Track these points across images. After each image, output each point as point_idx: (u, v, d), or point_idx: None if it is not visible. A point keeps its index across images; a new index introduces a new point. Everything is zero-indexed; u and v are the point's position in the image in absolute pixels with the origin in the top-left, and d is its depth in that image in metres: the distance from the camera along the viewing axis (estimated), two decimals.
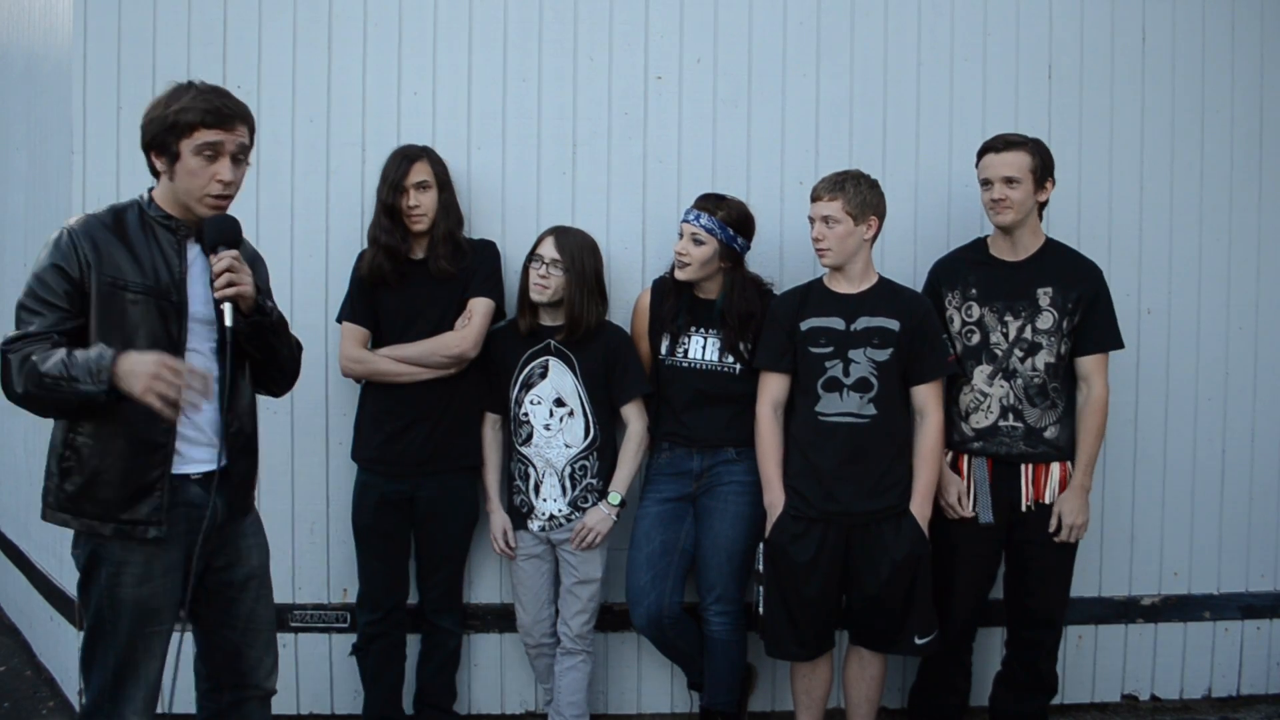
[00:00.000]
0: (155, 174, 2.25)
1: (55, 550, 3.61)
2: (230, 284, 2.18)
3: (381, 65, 3.30)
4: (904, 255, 3.35)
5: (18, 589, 4.13)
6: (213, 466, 2.26)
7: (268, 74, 3.27)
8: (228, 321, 2.19)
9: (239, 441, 2.33)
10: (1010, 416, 2.99)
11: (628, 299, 3.29)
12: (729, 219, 3.04)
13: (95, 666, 2.22)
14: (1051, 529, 2.98)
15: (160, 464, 2.20)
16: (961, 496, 3.00)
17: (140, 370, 2.01)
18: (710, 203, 3.07)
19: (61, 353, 2.05)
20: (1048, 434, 2.99)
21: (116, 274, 2.16)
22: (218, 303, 2.21)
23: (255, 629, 2.40)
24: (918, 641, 2.94)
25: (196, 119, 2.15)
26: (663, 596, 3.05)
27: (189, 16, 3.26)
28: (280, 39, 3.28)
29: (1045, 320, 2.98)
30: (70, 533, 2.24)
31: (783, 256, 3.36)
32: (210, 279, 2.21)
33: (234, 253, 2.20)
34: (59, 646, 3.57)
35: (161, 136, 2.17)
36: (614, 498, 3.09)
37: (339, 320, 3.13)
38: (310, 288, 3.25)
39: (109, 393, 2.01)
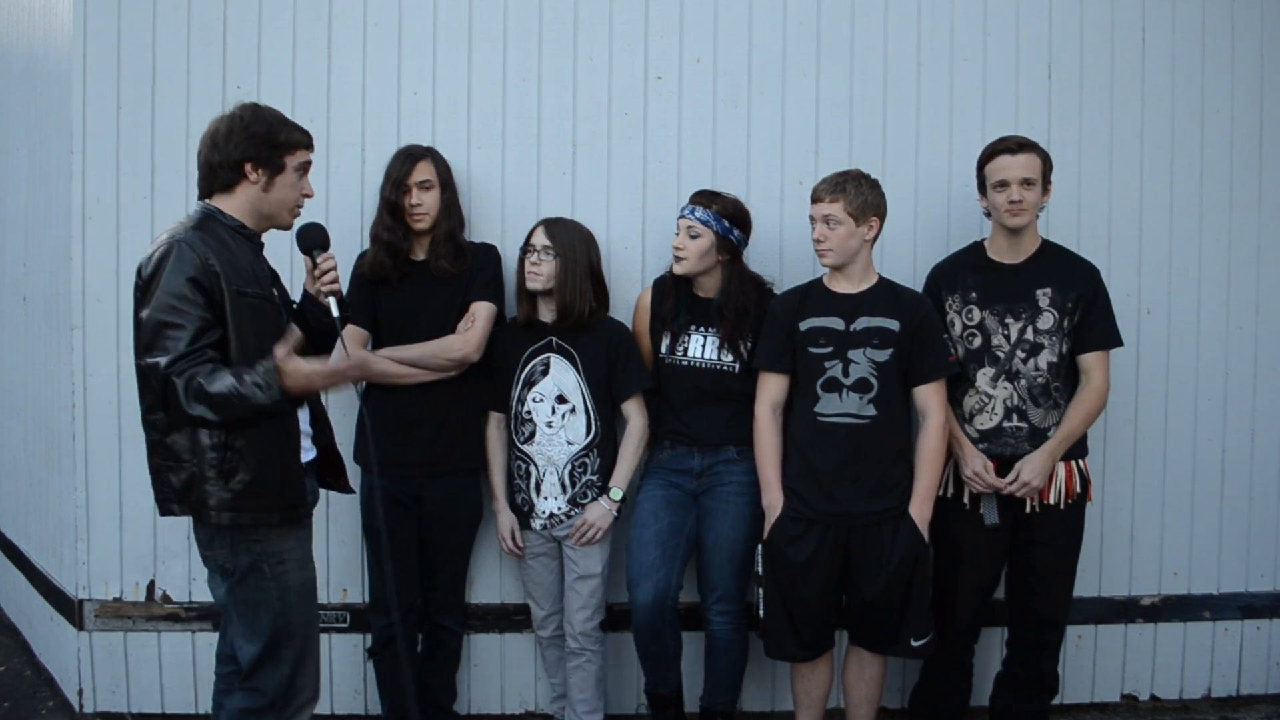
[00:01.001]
0: (225, 186, 2.36)
1: (55, 550, 3.61)
2: (335, 280, 2.48)
3: (381, 65, 3.30)
4: (904, 255, 3.34)
5: (18, 589, 4.12)
6: (313, 454, 2.54)
7: (268, 74, 3.27)
8: (335, 313, 2.46)
9: (329, 429, 2.60)
10: (1014, 417, 2.99)
11: (628, 299, 3.29)
12: (724, 212, 3.05)
13: (269, 671, 2.35)
14: (1010, 476, 2.95)
15: (298, 449, 2.43)
16: (987, 466, 2.97)
17: (315, 379, 2.20)
18: (705, 197, 3.09)
19: (228, 373, 2.16)
20: (1052, 434, 2.99)
21: (239, 282, 2.29)
22: (325, 297, 2.47)
23: None
24: (914, 644, 2.94)
25: (302, 140, 2.42)
26: (671, 574, 3.02)
27: (189, 16, 3.26)
28: (280, 39, 3.28)
29: (1046, 320, 2.98)
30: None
31: (783, 256, 3.36)
32: (317, 277, 2.50)
33: (332, 253, 2.50)
34: (59, 646, 3.57)
35: (267, 152, 2.35)
36: (615, 493, 3.09)
37: None
38: None
39: (281, 400, 2.16)
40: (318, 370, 2.18)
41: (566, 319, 3.06)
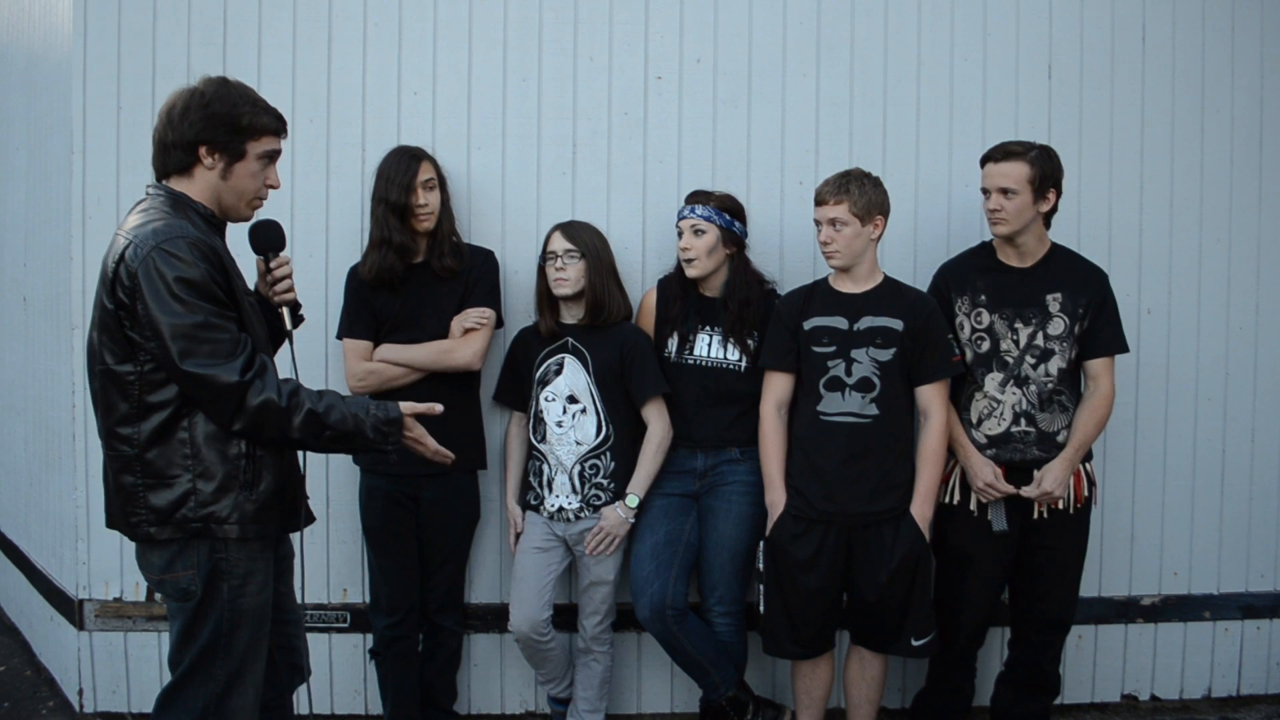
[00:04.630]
0: (180, 168, 2.14)
1: (55, 550, 3.61)
2: (290, 289, 2.31)
3: (381, 65, 3.30)
4: (904, 255, 3.34)
5: (18, 589, 4.12)
6: None
7: (268, 74, 3.26)
8: (289, 325, 2.30)
9: None
10: (1023, 422, 2.98)
11: (630, 300, 3.27)
12: (722, 206, 3.08)
13: (197, 687, 2.10)
14: (1032, 486, 2.94)
15: (296, 458, 2.27)
16: (997, 474, 2.96)
17: (415, 442, 2.19)
18: (700, 196, 3.11)
19: (341, 404, 2.07)
20: (1060, 438, 2.98)
21: (239, 278, 2.13)
22: (277, 306, 2.28)
23: (292, 608, 2.39)
24: (915, 643, 2.94)
25: (270, 125, 2.16)
26: (666, 586, 3.00)
27: (189, 16, 3.26)
28: (280, 39, 3.28)
29: (1056, 326, 2.97)
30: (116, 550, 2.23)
31: (783, 256, 3.36)
32: (270, 282, 2.31)
33: (288, 257, 2.32)
34: (59, 646, 3.57)
35: (225, 135, 2.11)
36: (630, 500, 3.06)
37: (339, 337, 3.11)
38: (310, 287, 3.24)
39: (388, 449, 2.15)
40: (437, 450, 2.21)
41: (598, 318, 3.06)
